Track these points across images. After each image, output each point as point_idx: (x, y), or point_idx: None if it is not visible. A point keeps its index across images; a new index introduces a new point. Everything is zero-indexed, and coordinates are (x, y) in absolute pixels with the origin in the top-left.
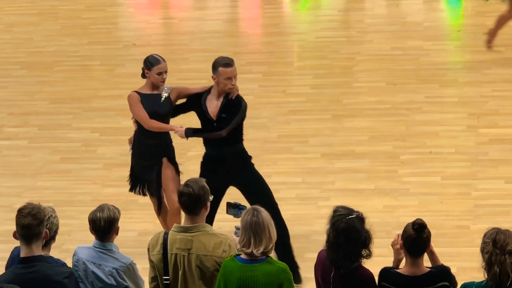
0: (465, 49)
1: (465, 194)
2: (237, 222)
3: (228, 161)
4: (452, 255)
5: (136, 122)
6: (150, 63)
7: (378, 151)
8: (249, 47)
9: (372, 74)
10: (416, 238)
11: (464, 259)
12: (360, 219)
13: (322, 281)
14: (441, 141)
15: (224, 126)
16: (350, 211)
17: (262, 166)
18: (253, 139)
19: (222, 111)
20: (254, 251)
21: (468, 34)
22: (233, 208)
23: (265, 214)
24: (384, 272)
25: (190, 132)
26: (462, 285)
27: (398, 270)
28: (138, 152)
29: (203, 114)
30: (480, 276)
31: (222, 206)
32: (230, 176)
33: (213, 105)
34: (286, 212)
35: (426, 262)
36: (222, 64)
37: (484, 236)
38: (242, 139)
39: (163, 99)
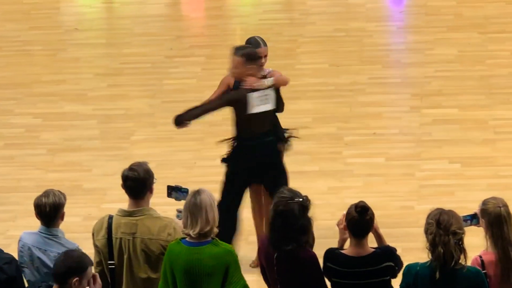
0: (408, 30)
1: (409, 174)
2: (180, 205)
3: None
4: (397, 235)
5: None
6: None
7: (322, 133)
8: (192, 31)
9: (315, 56)
10: (359, 220)
11: (409, 240)
12: (302, 206)
13: (266, 263)
14: (384, 122)
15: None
16: (294, 195)
17: (205, 149)
18: (196, 122)
19: None
20: (191, 232)
21: (411, 15)
22: (175, 191)
23: (205, 196)
24: (329, 253)
25: None
26: (406, 266)
27: (342, 251)
28: None
29: None
30: (425, 256)
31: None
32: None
33: None
34: None
35: (373, 243)
36: (253, 43)
37: (428, 217)
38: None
39: None
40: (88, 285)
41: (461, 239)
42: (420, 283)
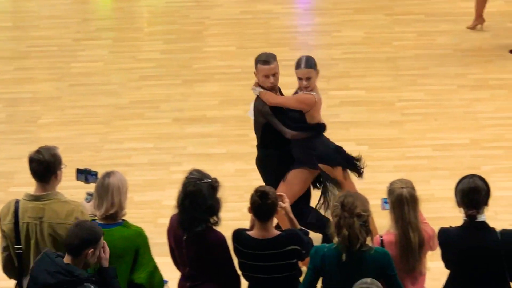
0: (315, 12)
1: None
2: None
3: None
4: None
5: None
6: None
7: (229, 115)
8: (98, 13)
9: (222, 39)
10: (260, 204)
11: None
12: (212, 186)
13: (175, 245)
14: None
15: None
16: (203, 176)
17: (113, 132)
18: (103, 105)
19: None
20: (97, 214)
21: None
22: (84, 174)
23: (115, 179)
24: (236, 233)
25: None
26: (314, 248)
27: (249, 233)
28: None
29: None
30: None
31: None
32: None
33: None
34: (138, 178)
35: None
36: (261, 60)
37: (335, 200)
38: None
39: None
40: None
41: (367, 221)
42: (327, 265)
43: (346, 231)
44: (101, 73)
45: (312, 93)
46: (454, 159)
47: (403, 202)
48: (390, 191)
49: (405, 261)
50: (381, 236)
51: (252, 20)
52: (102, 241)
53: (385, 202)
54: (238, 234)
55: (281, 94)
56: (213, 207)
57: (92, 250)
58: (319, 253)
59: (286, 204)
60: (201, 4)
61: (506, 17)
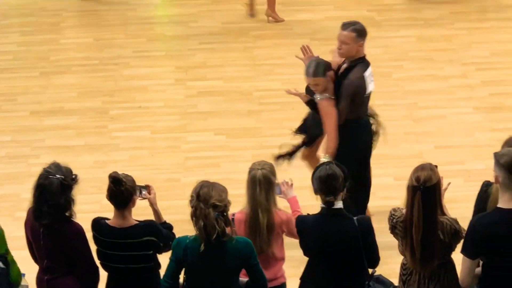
0: (172, 3)
1: (175, 147)
2: None
3: None
4: (164, 208)
5: None
6: None
7: (87, 107)
8: None
9: (79, 30)
10: (114, 190)
11: (177, 212)
12: (63, 184)
13: (32, 238)
14: (150, 95)
15: None
16: (58, 171)
17: None
18: None
19: None
20: None
21: None
22: None
23: None
24: (94, 222)
25: None
26: (176, 239)
27: (107, 221)
28: None
29: None
30: (192, 228)
31: None
32: None
33: None
34: None
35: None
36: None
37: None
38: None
39: None
40: None
41: (224, 211)
42: (189, 256)
43: (202, 221)
44: None
45: (325, 96)
46: None
47: (255, 182)
48: (249, 171)
49: (253, 239)
50: (233, 214)
51: (109, 11)
52: None
53: (277, 186)
54: (97, 222)
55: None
56: (59, 204)
57: None
58: (181, 244)
59: (151, 195)
60: None
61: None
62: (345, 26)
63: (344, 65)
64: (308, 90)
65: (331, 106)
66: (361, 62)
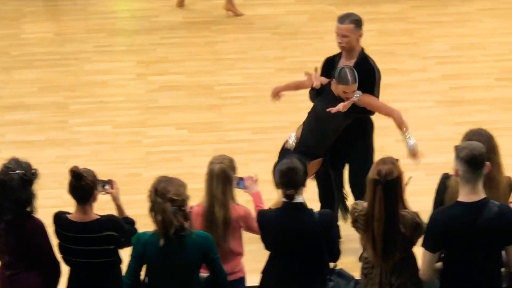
0: None
1: (136, 141)
2: None
3: None
4: (126, 202)
5: None
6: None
7: (48, 102)
8: None
9: (39, 25)
10: (75, 185)
11: (138, 206)
12: (23, 179)
13: None
14: (111, 90)
15: None
16: (18, 167)
17: None
18: None
19: None
20: None
21: None
22: None
23: None
24: (56, 217)
25: None
26: (136, 234)
27: (68, 216)
28: None
29: None
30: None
31: None
32: None
33: None
34: None
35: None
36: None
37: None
38: None
39: None
40: None
41: (183, 205)
42: (149, 251)
43: (160, 216)
44: None
45: (360, 94)
46: (273, 142)
47: (212, 176)
48: (208, 165)
49: (209, 231)
50: (191, 207)
51: (69, 6)
52: None
53: (240, 182)
54: (58, 217)
55: None
56: (21, 199)
57: None
58: (140, 240)
59: (114, 190)
60: None
61: None
62: (342, 19)
63: (347, 62)
64: (312, 91)
65: (370, 96)
66: (364, 53)
